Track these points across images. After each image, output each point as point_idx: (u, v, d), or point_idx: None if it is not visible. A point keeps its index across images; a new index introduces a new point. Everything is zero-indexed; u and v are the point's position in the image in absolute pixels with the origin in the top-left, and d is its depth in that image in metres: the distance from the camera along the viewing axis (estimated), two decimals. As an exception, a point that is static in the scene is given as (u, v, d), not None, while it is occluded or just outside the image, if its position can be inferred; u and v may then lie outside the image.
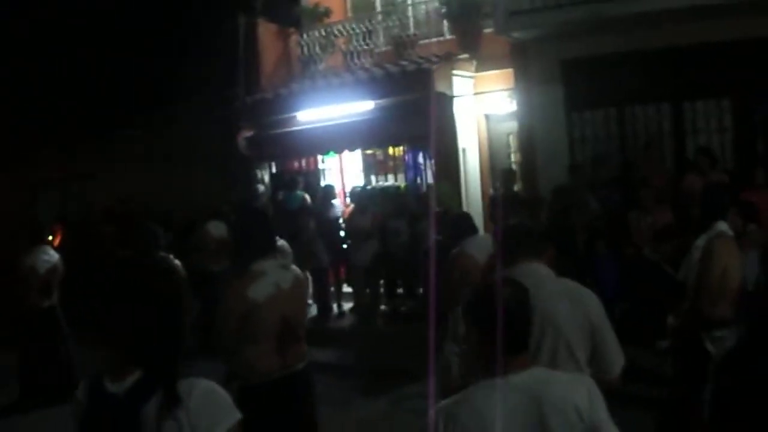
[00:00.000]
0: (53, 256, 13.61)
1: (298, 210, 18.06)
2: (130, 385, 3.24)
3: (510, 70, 17.10)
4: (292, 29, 21.30)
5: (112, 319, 3.24)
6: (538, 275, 5.50)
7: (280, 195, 19.55)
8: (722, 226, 7.31)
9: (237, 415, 3.27)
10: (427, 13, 20.01)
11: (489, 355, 3.74)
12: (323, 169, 21.67)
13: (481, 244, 9.95)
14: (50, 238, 14.49)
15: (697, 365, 6.48)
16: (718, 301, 6.92)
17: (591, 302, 5.43)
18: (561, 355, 5.20)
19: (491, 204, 15.80)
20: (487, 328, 3.74)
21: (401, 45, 19.42)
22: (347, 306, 17.93)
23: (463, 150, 18.34)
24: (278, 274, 6.71)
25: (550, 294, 5.34)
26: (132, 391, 3.23)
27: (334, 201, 18.47)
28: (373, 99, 18.57)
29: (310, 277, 15.83)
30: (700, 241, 7.32)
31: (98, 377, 3.39)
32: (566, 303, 5.34)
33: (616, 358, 5.35)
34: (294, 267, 7.08)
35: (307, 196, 18.89)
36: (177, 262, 11.56)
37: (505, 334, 3.72)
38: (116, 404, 3.24)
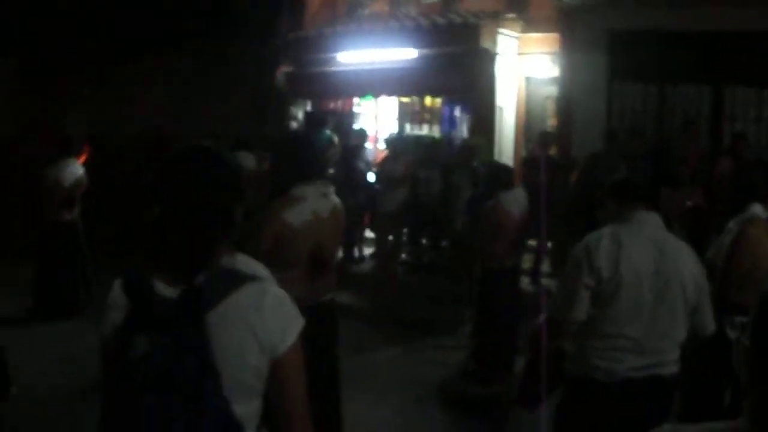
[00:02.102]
0: (79, 170, 13.59)
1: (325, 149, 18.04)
2: (200, 285, 3.01)
3: (554, 35, 17.05)
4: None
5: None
6: (660, 225, 5.61)
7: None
8: (756, 208, 7.20)
9: (302, 321, 3.24)
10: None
11: None
12: (358, 113, 21.65)
13: (518, 199, 10.01)
14: (78, 152, 14.41)
15: (716, 350, 6.48)
16: (746, 288, 6.87)
17: (698, 263, 5.59)
18: (678, 310, 5.37)
19: (524, 164, 15.79)
20: None
21: (449, -2, 19.43)
22: (368, 251, 18.01)
23: (501, 108, 18.32)
24: (318, 201, 6.66)
25: (676, 248, 5.49)
26: (195, 294, 2.97)
27: (365, 145, 18.46)
28: (416, 48, 18.54)
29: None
30: (732, 224, 7.27)
31: (145, 277, 3.10)
32: (687, 259, 5.48)
33: (711, 318, 5.59)
34: (334, 197, 6.97)
35: (335, 137, 18.89)
36: None
37: None
38: (175, 309, 2.96)
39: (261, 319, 3.02)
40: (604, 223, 5.67)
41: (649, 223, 5.53)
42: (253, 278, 3.12)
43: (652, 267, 5.28)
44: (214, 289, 3.01)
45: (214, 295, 2.99)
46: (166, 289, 3.04)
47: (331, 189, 6.94)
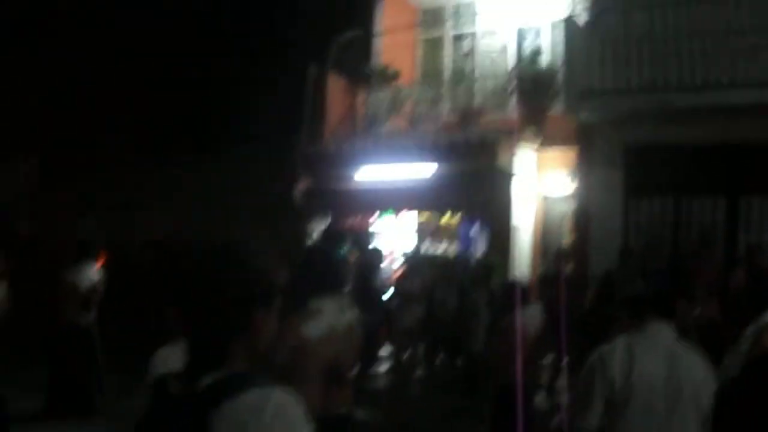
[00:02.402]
0: (95, 274, 13.71)
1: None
2: (203, 388, 3.07)
3: (571, 152, 17.17)
4: (360, 86, 21.45)
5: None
6: (672, 336, 5.60)
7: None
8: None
9: (309, 429, 3.15)
10: (495, 87, 20.11)
11: None
12: (375, 231, 21.69)
13: (533, 315, 9.97)
14: (95, 256, 14.54)
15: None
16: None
17: (712, 372, 5.55)
18: (690, 420, 5.35)
19: (540, 282, 15.78)
20: None
21: (467, 115, 19.57)
22: (384, 367, 17.87)
23: (516, 226, 18.37)
24: (335, 315, 6.70)
25: (689, 357, 5.49)
26: (203, 394, 3.06)
27: (381, 264, 18.48)
28: (434, 164, 18.63)
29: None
30: (749, 331, 7.26)
31: (164, 378, 3.23)
32: (700, 367, 5.48)
33: None
34: (351, 311, 7.03)
35: (352, 255, 18.91)
36: None
37: None
38: (182, 408, 3.07)
39: (260, 425, 2.97)
40: (618, 335, 5.68)
41: (662, 333, 5.57)
42: (260, 384, 3.08)
43: (664, 375, 5.32)
44: (218, 392, 3.01)
45: (218, 398, 2.99)
46: (180, 389, 3.11)
47: (348, 303, 6.96)
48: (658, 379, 5.33)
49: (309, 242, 20.68)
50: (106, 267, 15.71)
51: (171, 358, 6.65)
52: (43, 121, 21.04)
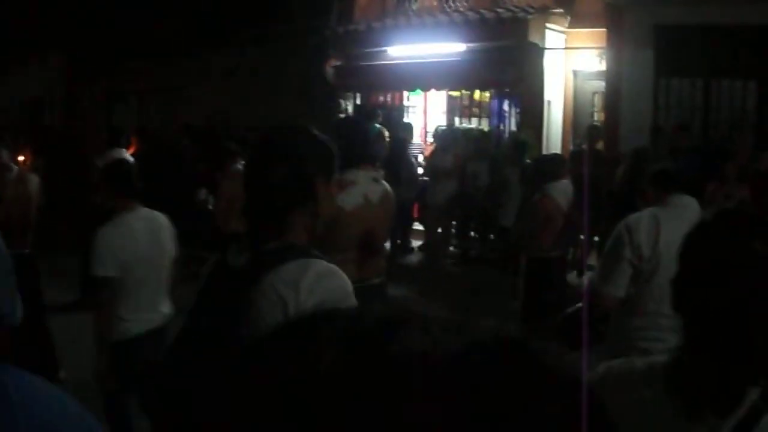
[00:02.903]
0: (128, 158, 13.72)
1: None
2: (255, 258, 3.16)
3: (601, 30, 17.11)
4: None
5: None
6: (698, 209, 5.64)
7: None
8: None
9: (349, 300, 3.22)
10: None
11: None
12: (407, 107, 21.79)
13: (565, 190, 10.07)
14: (126, 143, 14.53)
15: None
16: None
17: None
18: None
19: (572, 158, 15.88)
20: None
21: (497, -8, 19.52)
22: (416, 243, 18.16)
23: (548, 102, 18.47)
24: (368, 185, 6.71)
25: None
26: (253, 265, 3.14)
27: (413, 139, 18.61)
28: (464, 42, 18.69)
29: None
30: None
31: (225, 253, 3.31)
32: None
33: None
34: (385, 182, 7.04)
35: (385, 130, 19.01)
36: None
37: None
38: (231, 276, 3.19)
39: (295, 295, 3.05)
40: (644, 207, 5.78)
41: (688, 207, 5.60)
42: (304, 255, 3.18)
43: None
44: (266, 263, 3.12)
45: (260, 268, 3.11)
46: (235, 260, 3.23)
47: (382, 174, 7.02)
48: None
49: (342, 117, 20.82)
50: (139, 152, 15.87)
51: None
52: (71, 15, 20.99)
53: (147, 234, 7.04)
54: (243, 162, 10.86)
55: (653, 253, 5.36)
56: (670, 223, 5.40)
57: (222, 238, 9.09)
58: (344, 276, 3.28)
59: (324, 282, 3.16)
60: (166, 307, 6.99)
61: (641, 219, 5.53)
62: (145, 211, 7.17)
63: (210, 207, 11.11)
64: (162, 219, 7.29)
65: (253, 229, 3.30)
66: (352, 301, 3.23)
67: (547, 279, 9.98)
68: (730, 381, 2.22)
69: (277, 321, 3.04)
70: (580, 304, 5.99)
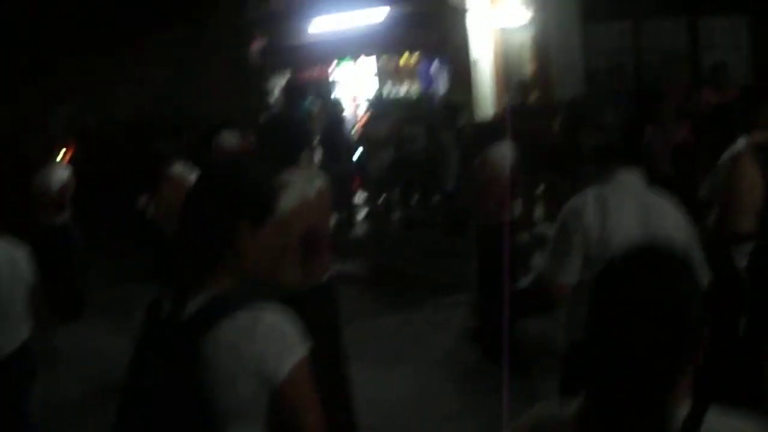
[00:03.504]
0: (65, 173, 13.45)
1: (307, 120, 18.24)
2: (194, 311, 3.02)
3: (525, -20, 16.99)
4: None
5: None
6: (642, 183, 5.51)
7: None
8: (741, 143, 7.28)
9: (304, 351, 3.09)
10: None
11: None
12: (336, 80, 21.68)
13: (504, 152, 9.99)
14: (63, 152, 14.34)
15: (727, 282, 6.53)
16: (746, 216, 6.98)
17: (683, 215, 5.50)
18: None
19: (503, 115, 15.84)
20: None
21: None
22: (360, 214, 18.05)
23: (476, 61, 18.33)
24: (303, 184, 6.62)
25: (661, 204, 5.41)
26: (192, 318, 3.01)
27: (344, 113, 18.54)
28: (386, 6, 18.50)
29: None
30: (724, 160, 7.31)
31: (158, 301, 3.19)
32: (673, 213, 5.41)
33: (704, 272, 5.28)
34: (319, 176, 7.00)
35: (316, 107, 19.00)
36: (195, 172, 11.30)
37: None
38: (173, 332, 3.04)
39: (252, 348, 2.97)
40: (587, 185, 5.65)
41: (631, 182, 5.43)
42: (248, 306, 3.06)
43: (639, 225, 5.19)
44: (207, 315, 3.01)
45: (206, 322, 2.99)
46: (168, 311, 3.09)
47: (316, 169, 6.95)
48: (633, 230, 5.21)
49: (272, 98, 20.70)
50: (77, 157, 15.64)
51: None
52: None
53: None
54: (177, 163, 10.70)
55: (602, 236, 5.23)
56: (616, 202, 5.32)
57: (162, 243, 8.93)
58: (293, 323, 3.14)
59: (278, 333, 3.05)
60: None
61: (587, 201, 5.36)
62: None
63: (150, 214, 10.93)
64: (18, 251, 7.45)
65: (181, 279, 3.14)
66: (304, 348, 3.11)
67: (497, 244, 9.88)
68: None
69: (237, 375, 2.91)
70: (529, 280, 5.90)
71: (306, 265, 6.60)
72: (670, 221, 5.31)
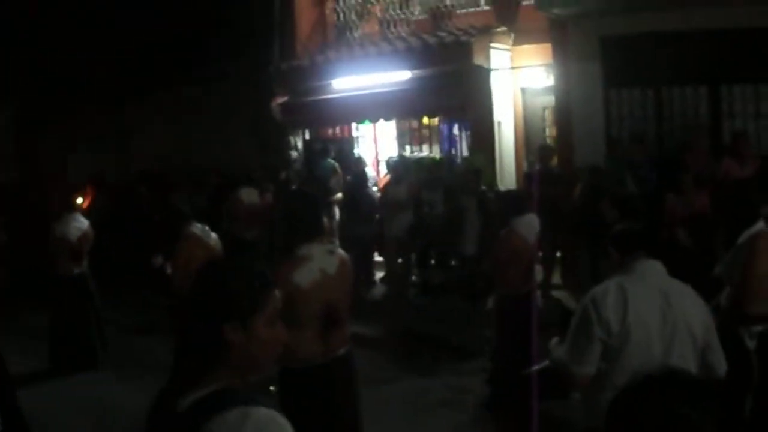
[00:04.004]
0: (83, 222, 13.41)
1: (328, 177, 18.27)
2: (189, 406, 3.07)
3: (547, 45, 16.96)
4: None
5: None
6: (663, 272, 5.54)
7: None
8: (760, 224, 7.29)
9: None
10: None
11: None
12: (357, 137, 21.70)
13: (531, 224, 10.00)
14: (80, 200, 14.32)
15: (736, 361, 6.51)
16: (760, 299, 6.98)
17: (702, 302, 5.53)
18: (687, 356, 5.27)
19: (526, 179, 15.81)
20: None
21: (438, 15, 19.44)
22: (378, 276, 18.01)
23: (499, 123, 18.35)
24: (324, 259, 6.66)
25: (681, 293, 5.42)
26: (188, 412, 3.06)
27: (365, 170, 18.53)
28: (409, 69, 18.58)
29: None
30: (742, 240, 7.30)
31: (164, 392, 3.24)
32: (692, 302, 5.43)
33: (722, 357, 5.46)
34: (340, 251, 6.98)
35: (337, 165, 19.02)
36: (213, 234, 11.28)
37: None
38: (169, 425, 3.11)
39: None
40: (608, 273, 5.66)
41: (653, 271, 5.50)
42: (241, 403, 3.06)
43: (659, 316, 5.23)
44: (199, 412, 3.01)
45: (198, 419, 2.99)
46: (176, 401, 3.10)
47: (336, 244, 6.96)
48: (654, 320, 5.25)
49: (293, 155, 20.77)
50: (95, 205, 15.67)
51: None
52: (15, 67, 20.74)
53: None
54: (195, 224, 10.70)
55: (622, 328, 5.24)
56: (636, 293, 5.33)
57: (178, 302, 8.93)
58: (284, 421, 3.11)
59: (266, 428, 3.04)
60: None
61: (608, 292, 5.37)
62: None
63: (167, 272, 10.92)
64: None
65: (176, 375, 3.21)
66: None
67: (518, 315, 9.84)
68: None
69: None
70: (547, 362, 5.85)
71: (325, 338, 6.64)
72: (691, 308, 5.31)
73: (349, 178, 18.26)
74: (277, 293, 3.38)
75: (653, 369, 2.57)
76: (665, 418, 2.23)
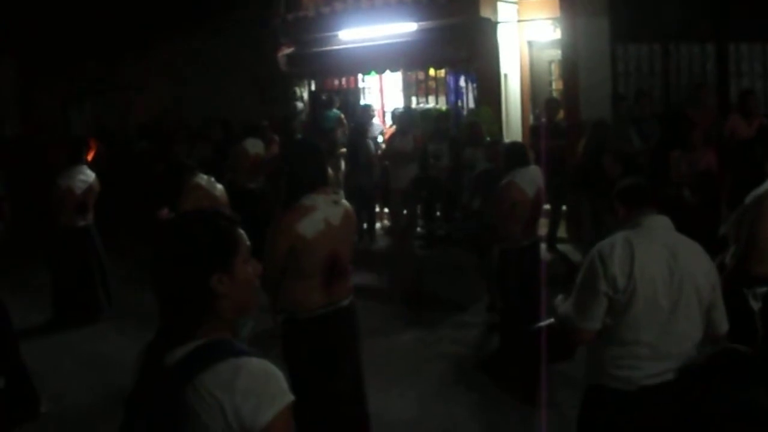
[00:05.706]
0: (90, 175, 13.23)
1: (334, 129, 18.27)
2: (178, 359, 3.05)
3: (553, -1, 16.93)
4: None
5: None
6: (670, 228, 5.51)
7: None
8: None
9: (286, 399, 3.04)
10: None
11: None
12: (363, 89, 21.65)
13: (533, 177, 9.94)
14: (85, 153, 14.19)
15: (740, 322, 6.51)
16: (765, 260, 6.96)
17: (709, 259, 5.49)
18: (693, 312, 5.24)
19: (532, 132, 15.79)
20: None
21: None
22: (382, 228, 18.12)
23: (505, 75, 18.32)
24: (328, 209, 6.66)
25: (688, 249, 5.38)
26: (178, 366, 3.04)
27: (373, 121, 18.50)
28: (416, 21, 18.46)
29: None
30: (748, 200, 7.26)
31: (152, 346, 3.20)
32: (700, 259, 5.38)
33: (724, 317, 5.45)
34: (344, 201, 6.98)
35: (342, 116, 19.02)
36: (218, 185, 11.24)
37: None
38: (157, 380, 3.07)
39: (230, 398, 2.96)
40: (615, 227, 5.63)
41: (660, 227, 5.45)
42: (232, 354, 3.06)
43: (666, 272, 5.18)
44: (190, 365, 3.02)
45: (189, 372, 3.00)
46: (167, 356, 3.11)
47: (341, 194, 6.96)
48: (660, 276, 5.19)
49: (298, 106, 20.75)
50: (98, 158, 15.64)
51: None
52: (17, 21, 20.66)
53: None
54: (200, 175, 10.72)
55: (629, 282, 5.18)
56: (643, 248, 5.27)
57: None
58: (277, 371, 3.10)
59: (259, 384, 3.02)
60: None
61: (614, 247, 5.29)
62: None
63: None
64: None
65: (165, 330, 3.18)
66: (289, 396, 3.07)
67: (520, 268, 9.86)
68: None
69: (217, 424, 2.89)
70: (552, 320, 5.84)
71: (329, 289, 6.68)
72: (698, 266, 5.29)
73: (352, 125, 18.29)
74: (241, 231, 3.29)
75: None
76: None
